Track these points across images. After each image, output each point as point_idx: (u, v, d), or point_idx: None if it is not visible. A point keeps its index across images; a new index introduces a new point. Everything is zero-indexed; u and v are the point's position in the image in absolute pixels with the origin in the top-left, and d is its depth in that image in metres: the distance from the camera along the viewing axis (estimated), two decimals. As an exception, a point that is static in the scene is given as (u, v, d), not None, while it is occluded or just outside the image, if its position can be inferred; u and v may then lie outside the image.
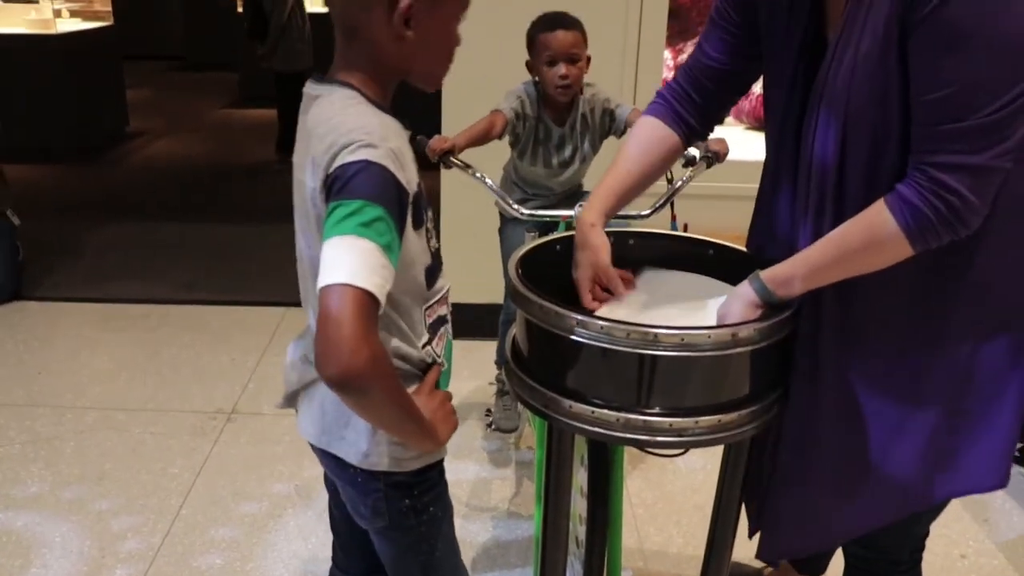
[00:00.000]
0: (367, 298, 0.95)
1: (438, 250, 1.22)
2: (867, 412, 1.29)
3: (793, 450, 1.35)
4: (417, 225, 1.11)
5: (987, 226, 1.17)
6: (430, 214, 1.18)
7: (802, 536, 1.40)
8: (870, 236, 1.16)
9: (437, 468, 1.27)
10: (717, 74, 1.43)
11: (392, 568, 1.34)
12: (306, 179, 1.07)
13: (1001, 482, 1.27)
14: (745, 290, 1.26)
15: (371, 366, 0.96)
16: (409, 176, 1.06)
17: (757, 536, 1.50)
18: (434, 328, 1.21)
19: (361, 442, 1.19)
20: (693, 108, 1.46)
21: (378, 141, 1.01)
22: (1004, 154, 1.08)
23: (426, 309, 1.19)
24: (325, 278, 0.96)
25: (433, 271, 1.19)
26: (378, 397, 1.02)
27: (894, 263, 1.17)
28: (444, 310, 1.24)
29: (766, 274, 1.24)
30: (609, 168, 1.47)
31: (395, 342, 1.15)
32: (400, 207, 1.03)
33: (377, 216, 0.98)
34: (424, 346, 1.19)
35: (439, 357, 1.22)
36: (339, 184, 1.00)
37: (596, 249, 1.39)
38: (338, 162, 1.01)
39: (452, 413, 1.21)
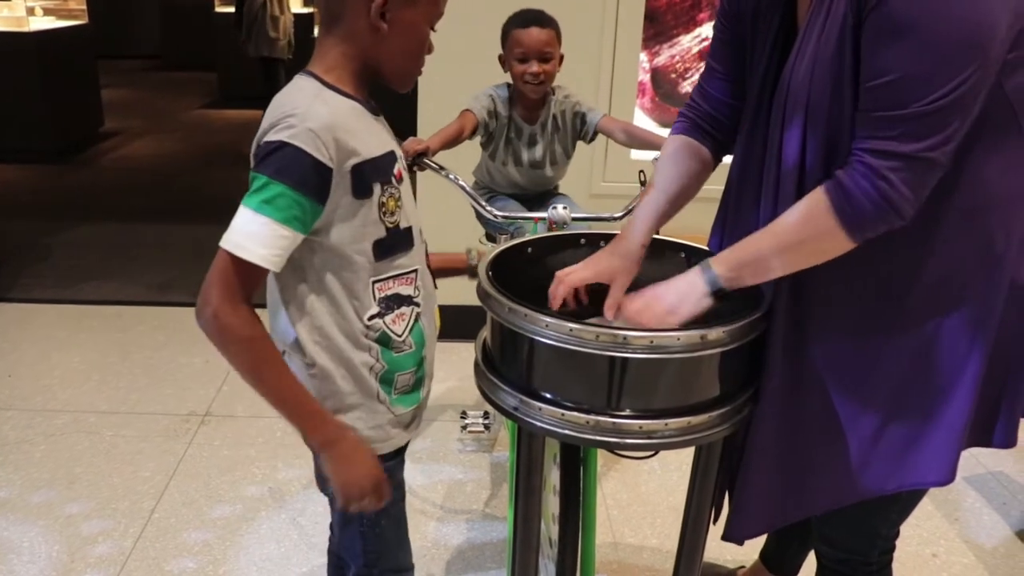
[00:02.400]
0: (244, 266, 1.10)
1: (407, 229, 1.28)
2: (821, 401, 1.31)
3: (752, 430, 1.36)
4: (361, 194, 1.19)
5: (936, 223, 1.18)
6: (392, 190, 1.24)
7: (762, 515, 1.42)
8: (807, 222, 1.17)
9: (391, 452, 1.34)
10: (725, 85, 1.44)
11: (338, 535, 1.43)
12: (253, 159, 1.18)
13: (947, 477, 1.28)
14: (697, 283, 1.25)
15: (214, 322, 1.13)
16: (347, 148, 1.15)
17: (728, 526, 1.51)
18: (388, 304, 1.26)
19: None
20: (712, 121, 1.47)
21: (298, 121, 1.11)
22: (939, 146, 1.08)
23: (376, 282, 1.25)
24: (222, 240, 1.11)
25: (389, 246, 1.24)
26: (226, 351, 1.16)
27: (837, 254, 1.18)
28: (406, 289, 1.29)
29: (717, 265, 1.25)
30: (648, 188, 1.48)
31: (321, 305, 1.23)
32: (316, 182, 1.13)
33: (278, 193, 1.10)
34: (372, 318, 1.25)
35: (398, 336, 1.28)
36: (256, 160, 1.13)
37: (628, 268, 1.40)
38: (265, 138, 1.13)
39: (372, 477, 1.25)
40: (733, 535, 1.44)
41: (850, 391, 1.29)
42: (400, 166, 1.28)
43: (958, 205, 1.18)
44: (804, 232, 1.18)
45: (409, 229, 1.29)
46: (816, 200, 1.16)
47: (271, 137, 1.12)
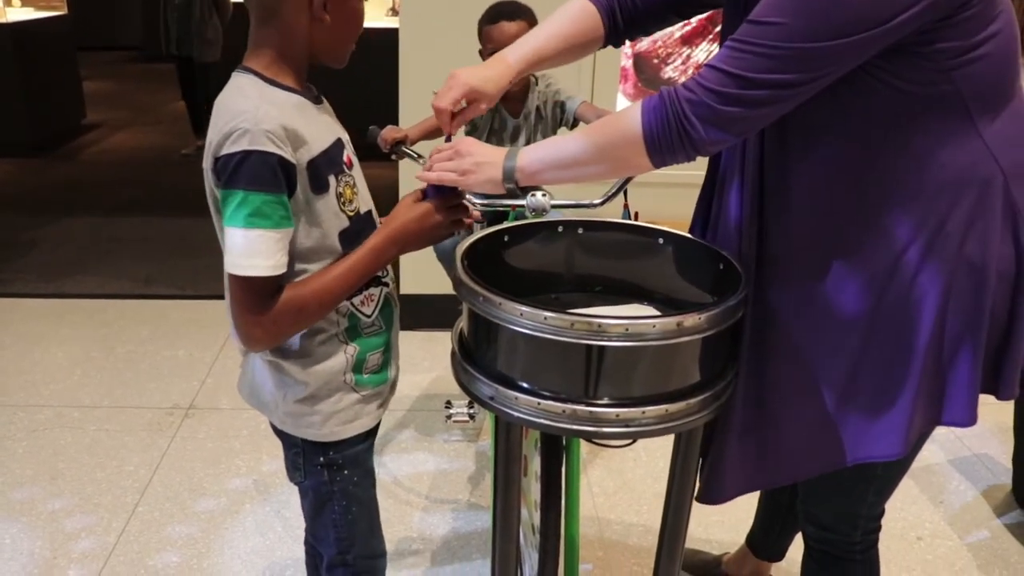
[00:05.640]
0: (257, 282, 1.14)
1: (367, 213, 1.30)
2: (782, 375, 1.33)
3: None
4: (318, 189, 1.20)
5: (888, 205, 1.19)
6: (346, 178, 1.25)
7: (732, 480, 1.43)
8: (617, 124, 1.20)
9: (357, 436, 1.36)
10: None
11: (310, 524, 1.45)
12: (205, 164, 1.17)
13: (898, 450, 1.28)
14: (497, 166, 1.27)
15: (267, 339, 1.20)
16: (300, 146, 1.16)
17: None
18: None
19: (278, 409, 1.32)
20: (628, 7, 1.46)
21: (252, 125, 1.11)
22: (757, 85, 1.09)
23: None
24: (226, 265, 1.14)
25: (355, 233, 1.26)
26: (294, 331, 1.22)
27: (635, 171, 1.24)
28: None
29: (521, 157, 1.26)
30: (534, 30, 1.47)
31: None
32: (287, 179, 1.15)
33: (261, 202, 1.11)
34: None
35: (367, 316, 1.31)
36: (225, 174, 1.12)
37: (491, 96, 1.40)
38: (223, 151, 1.12)
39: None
40: (707, 498, 1.45)
41: (807, 365, 1.31)
42: (348, 152, 1.29)
43: (912, 187, 1.19)
44: (610, 133, 1.21)
45: (369, 213, 1.31)
46: (636, 105, 1.18)
47: (229, 149, 1.11)
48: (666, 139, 1.15)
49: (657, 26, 1.53)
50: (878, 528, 1.53)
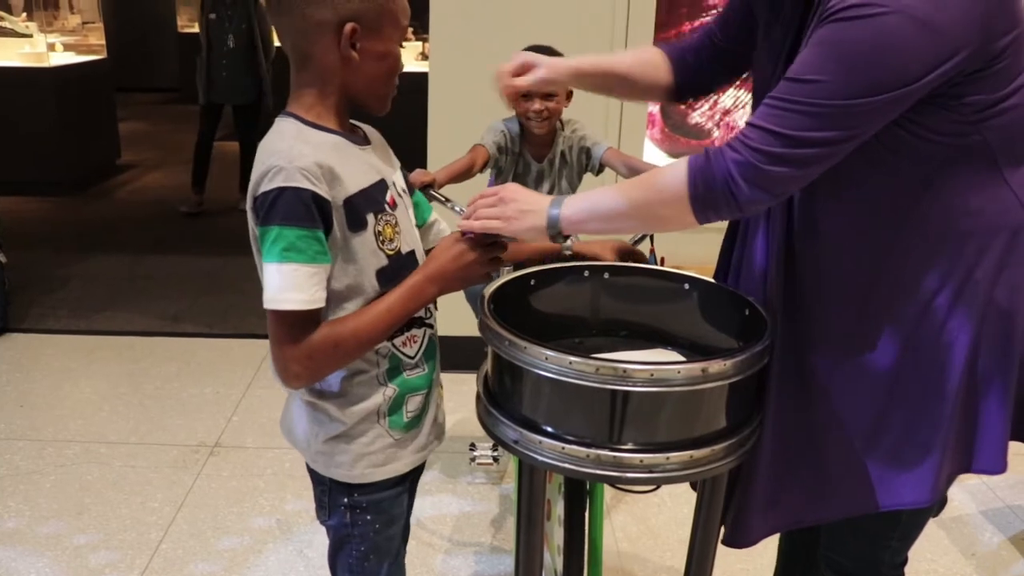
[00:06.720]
0: (291, 316, 1.15)
1: (409, 253, 1.30)
2: (808, 420, 1.32)
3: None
4: (356, 228, 1.21)
5: (918, 250, 1.20)
6: (387, 217, 1.26)
7: (759, 523, 1.42)
8: (663, 184, 1.21)
9: (387, 480, 1.34)
10: (712, 53, 1.49)
11: (329, 565, 1.43)
12: (247, 205, 1.21)
13: (926, 498, 1.27)
14: (541, 215, 1.27)
15: (304, 375, 1.20)
16: (337, 184, 1.18)
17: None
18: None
19: (310, 448, 1.32)
20: (691, 66, 1.51)
21: (286, 163, 1.14)
22: (802, 144, 1.09)
23: None
24: (264, 300, 1.16)
25: (394, 271, 1.26)
26: (332, 368, 1.22)
27: (677, 227, 1.23)
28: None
29: (566, 207, 1.26)
30: (607, 55, 1.52)
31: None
32: (322, 215, 1.16)
33: (295, 236, 1.13)
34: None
35: (410, 358, 1.31)
36: (261, 212, 1.15)
37: (551, 72, 1.46)
38: (260, 189, 1.15)
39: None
40: (733, 541, 1.44)
41: (834, 410, 1.30)
42: (392, 193, 1.30)
43: (940, 235, 1.20)
44: (657, 191, 1.21)
45: (412, 253, 1.32)
46: (682, 163, 1.18)
47: (265, 188, 1.14)
48: (711, 199, 1.15)
49: (716, 84, 1.57)
50: (902, 576, 1.51)
